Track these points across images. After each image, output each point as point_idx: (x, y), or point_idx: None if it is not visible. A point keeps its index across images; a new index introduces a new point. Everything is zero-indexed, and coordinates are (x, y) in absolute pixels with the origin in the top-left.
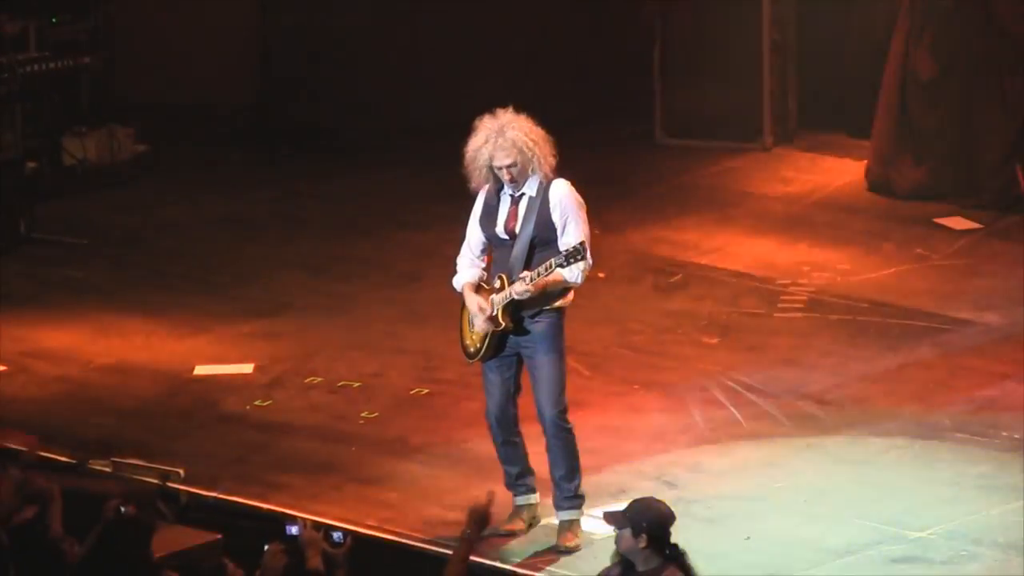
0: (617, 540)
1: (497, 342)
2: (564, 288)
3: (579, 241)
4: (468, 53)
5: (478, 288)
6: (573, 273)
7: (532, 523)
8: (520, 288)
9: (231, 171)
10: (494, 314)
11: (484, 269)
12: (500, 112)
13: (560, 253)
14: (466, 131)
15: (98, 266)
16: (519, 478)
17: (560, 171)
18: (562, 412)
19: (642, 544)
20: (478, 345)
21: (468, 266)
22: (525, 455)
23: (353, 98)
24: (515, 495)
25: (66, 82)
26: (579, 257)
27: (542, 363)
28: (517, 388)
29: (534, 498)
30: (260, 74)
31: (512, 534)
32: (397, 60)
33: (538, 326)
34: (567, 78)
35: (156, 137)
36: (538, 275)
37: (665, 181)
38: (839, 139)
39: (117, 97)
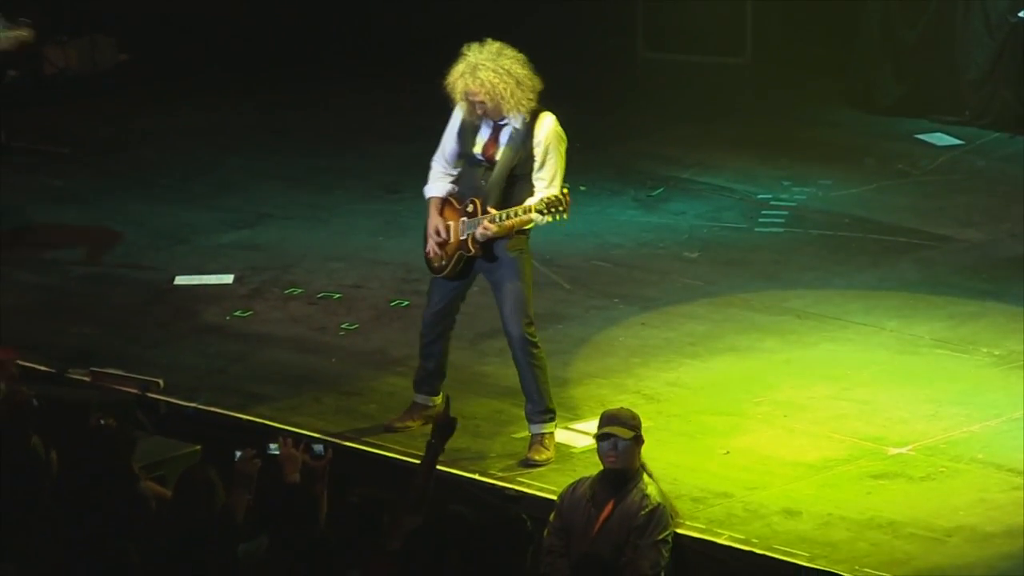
0: (621, 451)
1: (465, 265)
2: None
3: (561, 191)
4: None
5: (446, 202)
6: (543, 216)
7: (425, 423)
8: (489, 229)
9: (212, 82)
10: (464, 238)
11: (454, 182)
12: (488, 43)
13: (537, 196)
14: (449, 43)
15: (79, 175)
16: (428, 377)
17: (544, 87)
18: (528, 326)
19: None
20: (444, 262)
21: (440, 176)
22: (444, 358)
23: (335, 9)
24: (416, 391)
25: None
26: (559, 209)
27: (507, 285)
28: (460, 301)
29: (431, 401)
30: None
31: (398, 430)
32: None
33: (504, 251)
34: None
35: (138, 47)
36: (507, 216)
37: (647, 95)
38: (821, 53)
39: (99, 6)
